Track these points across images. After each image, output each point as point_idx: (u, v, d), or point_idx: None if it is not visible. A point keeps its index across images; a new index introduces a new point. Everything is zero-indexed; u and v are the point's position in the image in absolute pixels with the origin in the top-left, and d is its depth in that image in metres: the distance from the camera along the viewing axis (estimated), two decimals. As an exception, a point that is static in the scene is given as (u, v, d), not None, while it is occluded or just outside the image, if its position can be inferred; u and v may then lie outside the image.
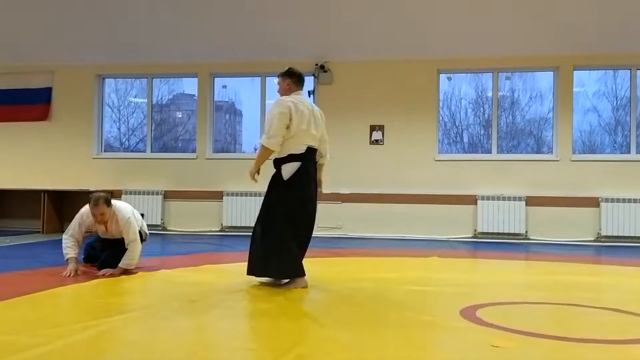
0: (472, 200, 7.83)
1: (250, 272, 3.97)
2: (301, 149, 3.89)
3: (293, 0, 7.88)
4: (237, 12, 8.05)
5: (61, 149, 8.96)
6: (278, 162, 3.93)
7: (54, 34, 8.66)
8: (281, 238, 3.80)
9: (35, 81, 9.10)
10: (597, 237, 7.71)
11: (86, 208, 4.44)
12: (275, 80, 4.13)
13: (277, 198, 3.87)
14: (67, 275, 4.16)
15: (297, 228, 3.86)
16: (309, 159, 3.95)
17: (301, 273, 3.84)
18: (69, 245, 4.34)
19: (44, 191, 8.23)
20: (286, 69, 4.09)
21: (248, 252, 4.01)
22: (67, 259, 4.30)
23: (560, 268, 5.24)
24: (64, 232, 4.50)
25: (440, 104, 8.55)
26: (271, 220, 3.86)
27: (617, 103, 8.52)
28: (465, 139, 9.14)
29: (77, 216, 4.48)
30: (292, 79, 4.04)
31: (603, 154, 8.32)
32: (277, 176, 3.91)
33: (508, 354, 2.38)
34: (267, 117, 3.92)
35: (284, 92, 4.04)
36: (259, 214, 3.99)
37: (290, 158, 3.87)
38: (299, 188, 3.86)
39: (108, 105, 9.49)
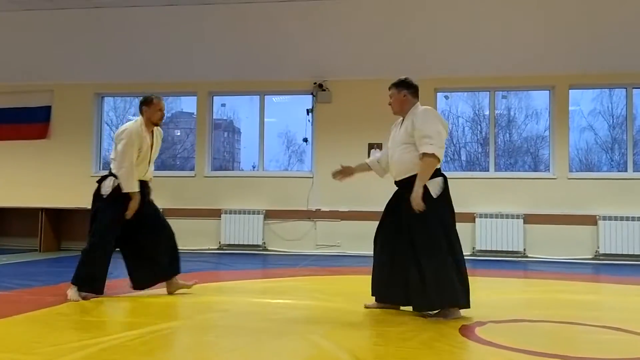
0: (470, 218, 7.84)
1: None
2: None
3: (292, 19, 7.98)
4: (236, 31, 8.15)
5: (60, 168, 8.96)
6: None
7: (54, 53, 8.73)
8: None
9: (34, 100, 9.13)
10: (595, 255, 7.70)
11: (131, 126, 4.14)
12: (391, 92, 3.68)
13: (437, 218, 3.42)
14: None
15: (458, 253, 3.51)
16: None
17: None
18: (135, 176, 4.10)
19: (42, 209, 8.21)
20: (403, 78, 3.69)
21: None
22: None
23: (559, 286, 5.22)
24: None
25: (438, 123, 8.58)
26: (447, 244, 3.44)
27: (613, 121, 8.58)
28: (463, 157, 9.18)
29: (126, 142, 4.05)
30: (410, 90, 3.65)
31: (600, 172, 8.35)
32: (426, 196, 3.40)
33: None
34: (426, 123, 3.47)
35: (400, 103, 3.65)
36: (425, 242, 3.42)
37: (436, 172, 3.49)
38: (450, 201, 3.54)
39: (107, 123, 9.52)
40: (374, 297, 3.75)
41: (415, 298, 3.43)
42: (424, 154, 3.40)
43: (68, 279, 4.14)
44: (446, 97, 8.73)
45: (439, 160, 3.44)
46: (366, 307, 3.76)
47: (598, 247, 7.66)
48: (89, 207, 4.21)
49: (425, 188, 3.40)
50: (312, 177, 8.35)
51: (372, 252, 3.80)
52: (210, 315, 3.56)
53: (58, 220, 8.51)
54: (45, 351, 2.54)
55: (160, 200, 8.73)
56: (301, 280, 5.28)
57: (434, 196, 3.41)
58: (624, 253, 7.56)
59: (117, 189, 4.06)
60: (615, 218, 7.60)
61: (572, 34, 7.59)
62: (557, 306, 4.06)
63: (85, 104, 9.09)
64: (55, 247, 8.37)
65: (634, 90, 8.10)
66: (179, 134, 10.20)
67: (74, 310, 3.66)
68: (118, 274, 4.62)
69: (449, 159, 9.06)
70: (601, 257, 7.64)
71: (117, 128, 9.83)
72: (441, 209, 3.43)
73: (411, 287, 3.42)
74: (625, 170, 8.05)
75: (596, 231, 7.68)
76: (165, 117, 4.39)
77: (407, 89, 3.63)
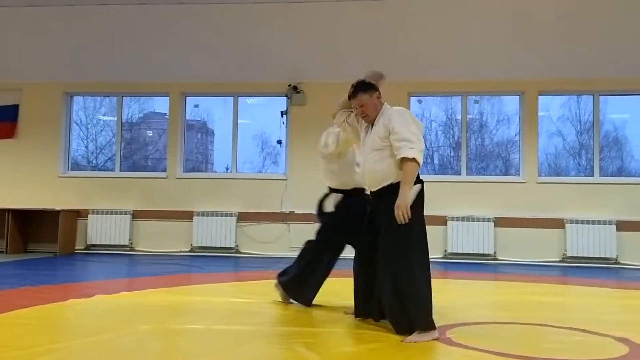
0: (442, 221, 7.93)
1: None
2: None
3: (266, 21, 7.97)
4: (210, 31, 8.09)
5: (27, 168, 8.75)
6: (397, 187, 3.16)
7: (22, 51, 8.54)
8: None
9: (2, 98, 8.89)
10: (563, 258, 7.87)
11: None
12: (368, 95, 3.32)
13: (411, 227, 3.12)
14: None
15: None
16: None
17: None
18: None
19: (8, 210, 7.98)
20: (365, 80, 3.39)
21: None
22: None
23: (528, 288, 5.32)
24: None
25: (411, 126, 8.66)
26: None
27: (580, 127, 8.79)
28: (436, 161, 9.28)
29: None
30: (378, 90, 3.37)
31: (568, 177, 8.54)
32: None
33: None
34: (404, 125, 3.18)
35: (375, 108, 3.33)
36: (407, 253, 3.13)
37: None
38: (423, 210, 3.27)
39: (76, 123, 9.34)
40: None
41: (393, 316, 3.14)
42: (405, 159, 3.10)
43: (34, 281, 4.05)
44: (419, 101, 8.82)
45: (419, 164, 3.15)
46: (346, 313, 3.65)
47: (565, 250, 7.83)
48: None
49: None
50: (286, 180, 8.34)
51: (352, 260, 3.58)
52: (181, 319, 3.51)
53: (25, 222, 8.30)
54: (13, 355, 2.48)
55: (131, 201, 8.67)
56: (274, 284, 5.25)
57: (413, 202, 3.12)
58: (590, 256, 7.74)
59: None
60: (582, 221, 7.78)
61: (542, 41, 7.76)
62: (526, 308, 4.14)
63: (54, 103, 8.90)
64: (22, 249, 8.17)
65: (600, 97, 8.32)
66: (151, 134, 10.06)
67: (42, 313, 3.57)
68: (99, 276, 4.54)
69: (422, 162, 9.14)
70: (568, 260, 7.81)
71: (86, 128, 9.77)
72: (416, 217, 3.13)
73: (387, 303, 3.16)
74: (592, 175, 8.25)
75: (564, 234, 7.85)
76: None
77: (376, 90, 3.33)
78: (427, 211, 3.32)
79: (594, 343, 3.04)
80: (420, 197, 3.20)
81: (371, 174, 3.30)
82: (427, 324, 3.02)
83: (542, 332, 3.33)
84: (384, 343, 2.88)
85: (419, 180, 3.23)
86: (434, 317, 3.06)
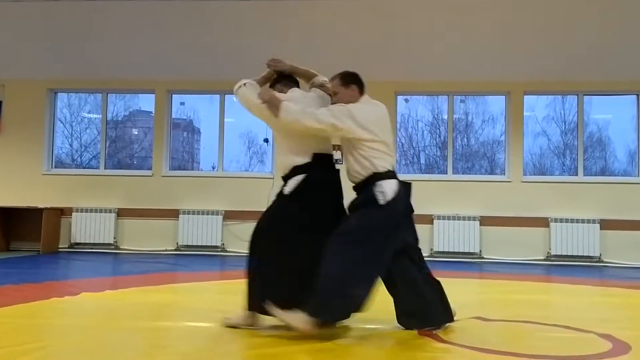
0: (428, 220, 7.96)
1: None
2: None
3: (253, 18, 7.93)
4: (195, 28, 8.03)
5: (10, 165, 8.63)
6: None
7: (5, 47, 8.40)
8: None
9: (-16, 95, 8.77)
10: (547, 257, 7.94)
11: None
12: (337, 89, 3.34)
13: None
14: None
15: None
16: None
17: None
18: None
19: (-10, 208, 7.88)
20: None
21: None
22: None
23: (513, 287, 5.36)
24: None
25: (398, 126, 8.70)
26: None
27: (565, 127, 8.88)
28: (422, 160, 9.31)
29: None
30: None
31: (552, 176, 8.62)
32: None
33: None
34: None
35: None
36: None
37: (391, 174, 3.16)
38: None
39: (60, 120, 9.23)
40: None
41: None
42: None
43: (16, 280, 4.00)
44: (406, 101, 8.85)
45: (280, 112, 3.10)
46: None
47: (550, 249, 7.90)
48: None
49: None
50: (273, 178, 8.29)
51: None
52: (166, 317, 3.48)
53: (8, 220, 8.18)
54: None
55: (116, 199, 8.58)
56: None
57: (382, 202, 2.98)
58: (574, 254, 7.82)
59: None
60: (566, 220, 7.86)
61: (528, 41, 7.81)
62: (511, 306, 4.16)
63: (38, 100, 8.78)
64: (4, 247, 8.04)
65: (585, 97, 8.41)
66: (136, 132, 9.98)
67: (24, 312, 3.52)
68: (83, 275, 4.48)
69: (408, 162, 9.18)
70: (552, 259, 7.89)
71: (71, 126, 9.66)
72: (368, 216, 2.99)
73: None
74: (576, 175, 8.33)
75: (548, 233, 7.92)
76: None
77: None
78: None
79: (578, 339, 3.07)
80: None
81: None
82: (315, 310, 2.79)
83: (527, 329, 3.35)
84: (369, 341, 2.88)
85: (400, 181, 3.11)
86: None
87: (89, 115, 9.47)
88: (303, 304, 2.80)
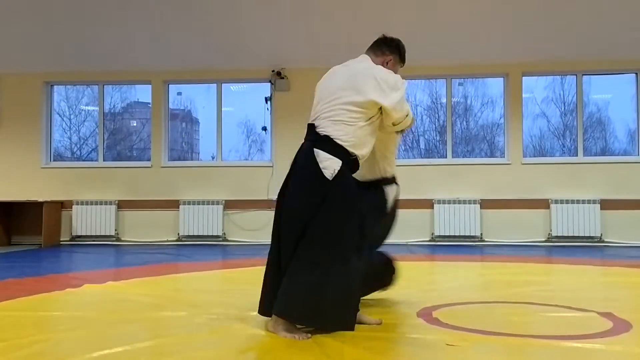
0: (429, 204, 7.96)
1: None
2: None
3: (248, 6, 7.86)
4: (191, 17, 7.97)
5: (8, 159, 8.63)
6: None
7: (0, 40, 8.35)
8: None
9: (-21, 89, 8.74)
10: (548, 238, 7.96)
11: None
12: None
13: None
14: None
15: None
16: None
17: None
18: None
19: (-10, 203, 7.89)
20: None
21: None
22: None
23: (514, 269, 5.37)
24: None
25: (396, 110, 8.65)
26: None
27: (564, 108, 8.84)
28: (422, 145, 9.29)
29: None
30: None
31: (552, 157, 8.61)
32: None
33: (462, 352, 2.41)
34: (386, 80, 2.89)
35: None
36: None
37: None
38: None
39: (58, 113, 9.20)
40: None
41: None
42: None
43: (18, 273, 4.00)
44: (404, 85, 8.79)
45: None
46: None
47: (550, 230, 7.91)
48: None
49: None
50: (272, 167, 8.30)
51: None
52: (168, 307, 3.48)
53: (6, 214, 8.19)
54: (-8, 348, 2.44)
55: (116, 191, 8.58)
56: (262, 271, 5.24)
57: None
58: (574, 235, 7.83)
59: None
60: (567, 201, 7.87)
61: (525, 22, 7.75)
62: (512, 287, 4.17)
63: (34, 93, 8.76)
64: (6, 241, 8.06)
65: (583, 77, 8.36)
66: (134, 124, 9.95)
67: (26, 305, 3.52)
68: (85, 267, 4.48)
69: (407, 147, 9.16)
70: (553, 240, 7.90)
71: (69, 119, 9.62)
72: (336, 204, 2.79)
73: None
74: (576, 155, 8.32)
75: (549, 215, 7.93)
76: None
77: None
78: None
79: (579, 319, 3.07)
80: (342, 181, 2.78)
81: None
82: (283, 309, 2.70)
83: (528, 310, 3.36)
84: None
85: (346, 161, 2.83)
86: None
87: (87, 107, 9.44)
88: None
